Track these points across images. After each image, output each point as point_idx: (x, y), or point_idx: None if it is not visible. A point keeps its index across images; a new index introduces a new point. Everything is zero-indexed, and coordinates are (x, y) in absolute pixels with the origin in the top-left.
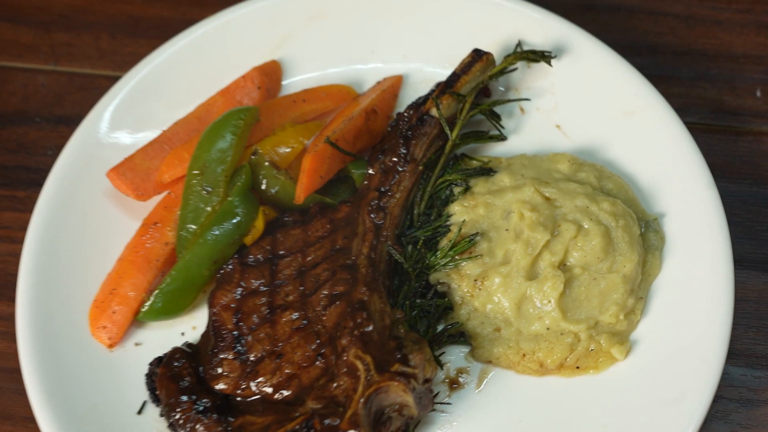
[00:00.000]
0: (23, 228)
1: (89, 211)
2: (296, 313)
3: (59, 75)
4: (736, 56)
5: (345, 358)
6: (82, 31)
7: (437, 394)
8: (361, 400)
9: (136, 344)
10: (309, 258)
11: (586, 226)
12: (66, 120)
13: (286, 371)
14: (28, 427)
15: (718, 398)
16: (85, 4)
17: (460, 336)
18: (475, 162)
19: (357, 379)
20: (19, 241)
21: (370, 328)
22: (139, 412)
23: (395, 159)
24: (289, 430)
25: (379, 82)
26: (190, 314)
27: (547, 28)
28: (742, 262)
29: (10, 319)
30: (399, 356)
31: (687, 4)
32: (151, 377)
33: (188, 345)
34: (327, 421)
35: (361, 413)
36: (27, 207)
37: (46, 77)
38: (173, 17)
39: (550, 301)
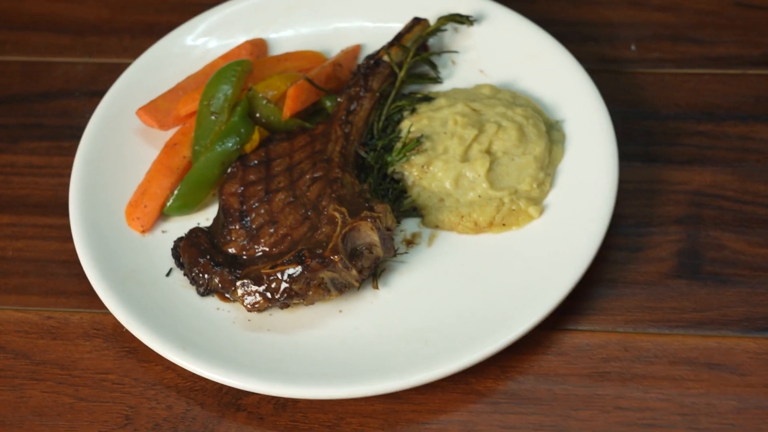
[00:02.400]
0: (69, 167)
1: (123, 142)
2: (287, 193)
3: (92, 64)
4: (613, 24)
5: (326, 213)
6: (109, 35)
7: (398, 249)
8: (339, 236)
9: (163, 232)
10: (295, 159)
11: (504, 125)
12: (99, 93)
13: (281, 232)
14: (79, 298)
15: (612, 246)
16: (111, 16)
17: (413, 210)
18: (419, 95)
19: (335, 225)
20: (66, 176)
21: (344, 191)
22: (167, 274)
23: (357, 89)
24: (285, 260)
25: (342, 49)
26: (203, 210)
27: (469, 3)
28: (623, 155)
29: (62, 228)
30: (367, 206)
31: None
32: (176, 249)
33: (204, 227)
34: (315, 251)
35: (339, 245)
36: (71, 153)
37: (83, 66)
38: (180, 21)
39: (480, 176)
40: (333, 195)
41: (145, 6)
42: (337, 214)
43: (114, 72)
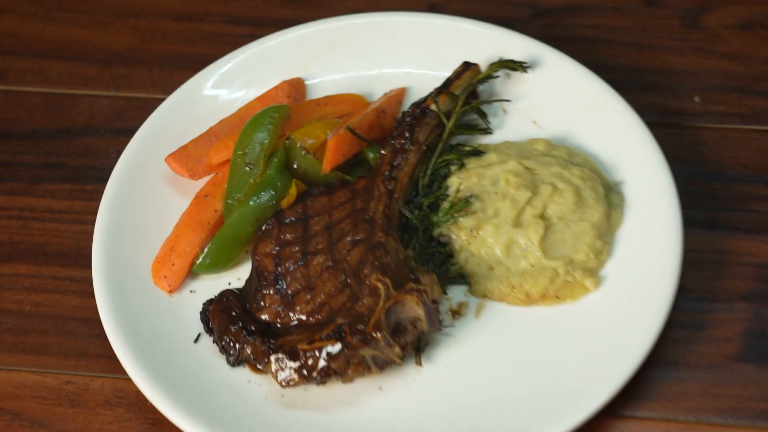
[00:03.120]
0: (92, 212)
1: (149, 191)
2: (325, 257)
3: (119, 98)
4: (677, 72)
5: (368, 282)
6: (137, 66)
7: (443, 320)
8: (382, 310)
9: (191, 291)
10: (334, 217)
11: (560, 187)
12: (125, 131)
13: (318, 300)
14: (100, 362)
15: (673, 323)
16: (140, 45)
17: (460, 277)
18: (467, 148)
19: (378, 297)
20: (89, 222)
21: (388, 259)
22: (196, 341)
23: (402, 141)
24: (324, 335)
25: (386, 93)
26: (235, 268)
27: (523, 47)
28: (687, 221)
29: (83, 281)
30: (412, 277)
31: (635, 35)
32: (205, 313)
33: (236, 289)
34: (355, 327)
35: (382, 321)
36: (94, 197)
37: (108, 100)
38: (212, 53)
39: (533, 243)
40: (376, 263)
41: (176, 35)
42: (379, 285)
43: (142, 108)
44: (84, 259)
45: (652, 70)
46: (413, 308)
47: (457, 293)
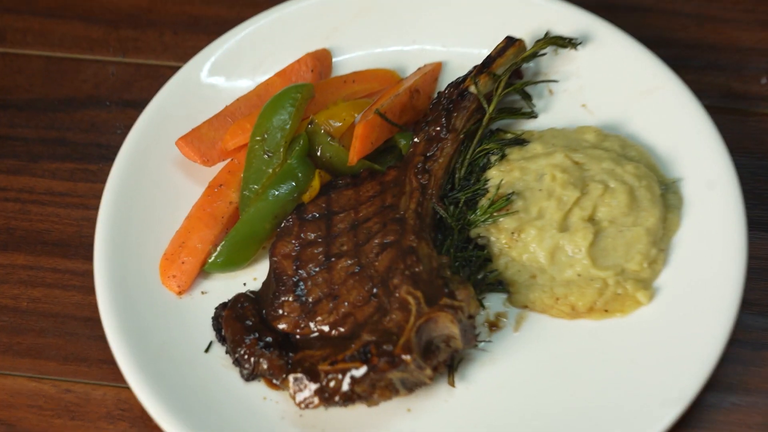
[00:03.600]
0: (95, 196)
1: (159, 176)
2: (350, 260)
3: (127, 65)
4: (742, 49)
5: (397, 295)
6: (147, 28)
7: (479, 334)
8: (413, 328)
9: (203, 293)
10: (361, 214)
11: (612, 186)
12: (133, 104)
13: (342, 310)
14: (102, 368)
15: (733, 341)
16: (150, 5)
17: (499, 284)
18: (509, 135)
19: (408, 312)
20: (92, 208)
21: (420, 268)
22: (207, 350)
23: (438, 128)
24: (348, 356)
25: (420, 68)
26: (251, 267)
27: (572, 20)
28: (752, 223)
29: (85, 274)
30: (446, 291)
31: (697, 5)
32: (217, 319)
33: (251, 292)
34: (382, 347)
35: (413, 340)
36: (99, 178)
37: (116, 67)
38: (229, 15)
39: (580, 250)
40: (406, 272)
41: None
42: (410, 299)
43: (152, 77)
44: (86, 250)
45: (714, 46)
46: (447, 326)
47: (494, 302)
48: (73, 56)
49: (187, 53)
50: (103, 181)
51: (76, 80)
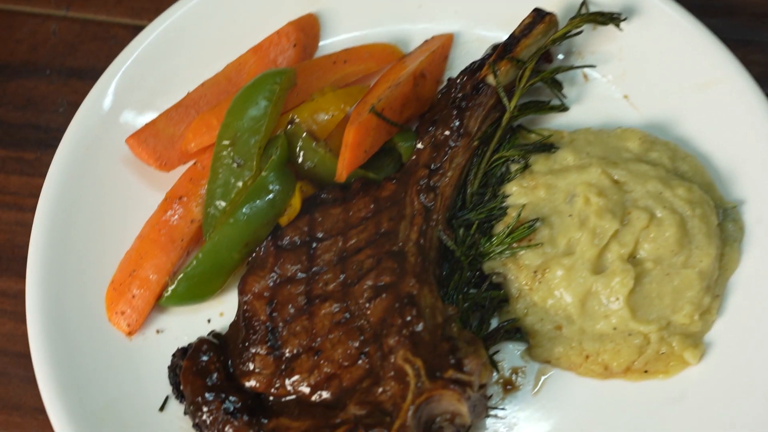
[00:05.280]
0: (32, 194)
1: (106, 180)
2: (337, 305)
3: (72, 22)
4: None
5: (392, 360)
6: None
7: (491, 396)
8: (411, 408)
9: (158, 331)
10: (351, 242)
11: (659, 215)
12: (79, 73)
13: (325, 370)
14: (38, 419)
15: None
16: None
17: (516, 332)
18: (534, 136)
19: (406, 386)
20: (28, 209)
21: (421, 327)
22: (161, 408)
23: (447, 132)
24: None
25: (427, 42)
26: (217, 298)
27: None
28: None
29: (18, 296)
30: (453, 361)
31: None
32: (174, 370)
33: (215, 335)
34: (372, 429)
35: (410, 424)
36: (36, 171)
37: (58, 24)
38: None
39: (618, 299)
40: (404, 332)
41: None
42: (408, 369)
43: (101, 39)
44: (19, 265)
45: None
46: (453, 404)
47: (511, 354)
48: (6, 7)
49: (145, 8)
50: (42, 175)
51: (10, 40)
